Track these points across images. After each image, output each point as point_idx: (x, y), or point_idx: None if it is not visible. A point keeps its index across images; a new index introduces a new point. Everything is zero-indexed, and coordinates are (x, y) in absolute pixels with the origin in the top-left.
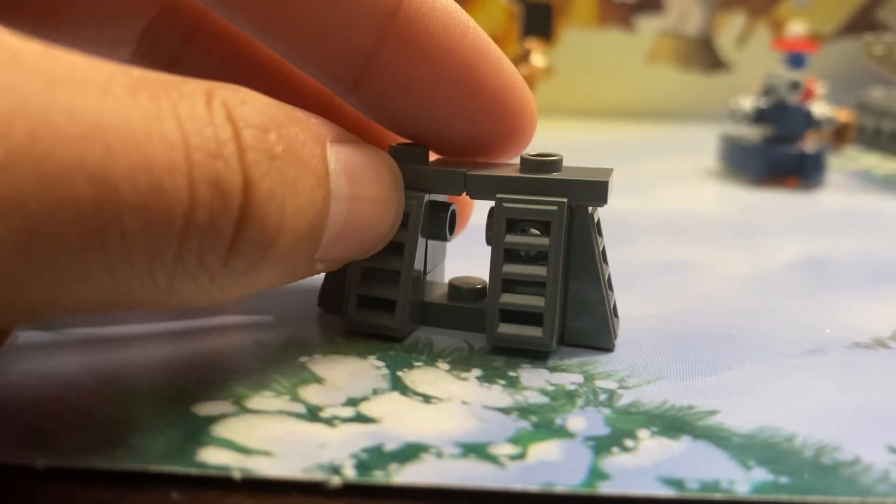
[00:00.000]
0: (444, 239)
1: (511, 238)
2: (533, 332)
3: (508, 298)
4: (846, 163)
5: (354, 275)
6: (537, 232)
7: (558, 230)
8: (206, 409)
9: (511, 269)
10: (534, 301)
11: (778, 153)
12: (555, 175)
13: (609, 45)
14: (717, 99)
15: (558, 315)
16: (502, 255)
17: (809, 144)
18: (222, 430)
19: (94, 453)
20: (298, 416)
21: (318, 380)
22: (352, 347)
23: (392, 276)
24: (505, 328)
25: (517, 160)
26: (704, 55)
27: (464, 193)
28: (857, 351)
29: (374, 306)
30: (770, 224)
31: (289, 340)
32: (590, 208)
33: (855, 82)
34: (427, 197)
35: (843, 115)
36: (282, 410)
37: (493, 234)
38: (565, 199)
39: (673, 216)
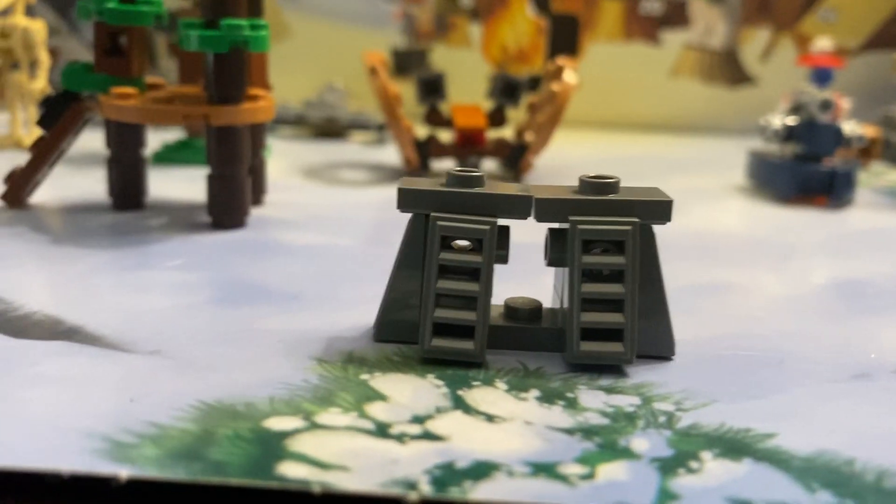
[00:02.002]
0: (504, 262)
1: (588, 258)
2: (613, 347)
3: (589, 317)
4: (872, 179)
5: (429, 301)
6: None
7: (633, 248)
8: (277, 423)
9: (590, 288)
10: (613, 318)
11: (808, 171)
12: (620, 196)
13: (634, 58)
14: (741, 113)
15: (636, 329)
16: (580, 275)
17: (837, 162)
18: (296, 444)
19: (174, 466)
20: (368, 432)
21: (381, 397)
22: (409, 366)
23: (466, 302)
24: (587, 345)
25: (574, 182)
26: (729, 69)
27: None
28: None
29: (450, 333)
30: (802, 244)
31: (347, 358)
32: None
33: (879, 97)
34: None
35: (868, 130)
36: (351, 426)
37: (569, 255)
38: (637, 219)
39: (705, 235)
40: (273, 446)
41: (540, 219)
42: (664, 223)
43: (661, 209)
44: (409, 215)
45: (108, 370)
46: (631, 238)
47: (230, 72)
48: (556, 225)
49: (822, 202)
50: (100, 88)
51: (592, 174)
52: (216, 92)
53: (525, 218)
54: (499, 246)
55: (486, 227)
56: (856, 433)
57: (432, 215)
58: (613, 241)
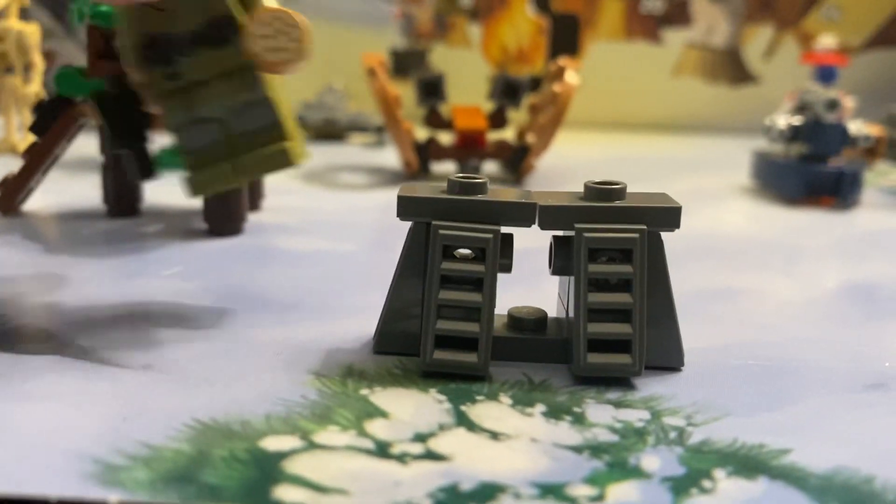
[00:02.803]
0: (508, 271)
1: (595, 267)
2: (621, 359)
3: (596, 328)
4: (878, 179)
5: (430, 312)
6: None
7: (640, 257)
8: (273, 443)
9: (596, 298)
10: (620, 329)
11: (815, 172)
12: (628, 203)
13: (635, 57)
14: (744, 112)
15: (644, 340)
16: (586, 284)
17: (843, 162)
18: (293, 466)
19: (166, 490)
20: (368, 452)
21: (382, 413)
22: (411, 380)
23: (468, 313)
24: (594, 357)
25: (578, 188)
26: (731, 68)
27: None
28: None
29: (453, 345)
30: (811, 246)
31: (347, 371)
32: None
33: (884, 95)
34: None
35: (873, 129)
36: (350, 446)
37: (575, 264)
38: (645, 227)
39: (713, 238)
40: (269, 468)
41: (544, 227)
42: (673, 230)
43: (669, 216)
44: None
45: (101, 386)
46: (639, 246)
47: None
48: (560, 232)
49: (829, 203)
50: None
51: (598, 180)
52: None
53: (529, 226)
54: (502, 255)
55: (489, 236)
56: (873, 448)
57: (433, 223)
58: (620, 249)
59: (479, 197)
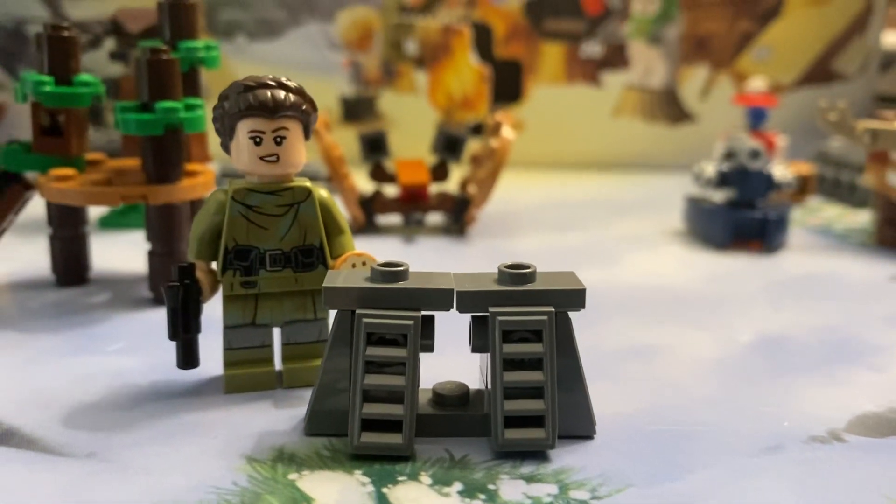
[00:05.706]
0: (430, 350)
1: (509, 348)
2: (536, 433)
3: (512, 405)
4: (808, 216)
5: (356, 397)
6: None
7: (550, 336)
8: None
9: (511, 377)
10: (534, 405)
11: (741, 217)
12: (538, 286)
13: (576, 100)
14: (683, 149)
15: (556, 415)
16: (501, 364)
17: (770, 205)
18: None
19: None
20: None
21: (307, 500)
22: (338, 462)
23: (393, 395)
24: (511, 433)
25: (493, 271)
26: (669, 107)
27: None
28: (814, 446)
29: (379, 427)
30: (733, 295)
31: (278, 455)
32: None
33: (815, 132)
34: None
35: (803, 167)
36: None
37: (490, 344)
38: (552, 308)
39: (640, 289)
40: None
41: (462, 310)
42: (578, 310)
43: (574, 297)
44: None
45: (43, 478)
46: (547, 327)
47: (167, 152)
48: (479, 313)
49: (757, 247)
50: (39, 168)
51: (510, 263)
52: (153, 172)
53: (448, 310)
54: (424, 336)
55: (410, 323)
56: None
57: (357, 312)
58: (532, 330)
59: (400, 284)
